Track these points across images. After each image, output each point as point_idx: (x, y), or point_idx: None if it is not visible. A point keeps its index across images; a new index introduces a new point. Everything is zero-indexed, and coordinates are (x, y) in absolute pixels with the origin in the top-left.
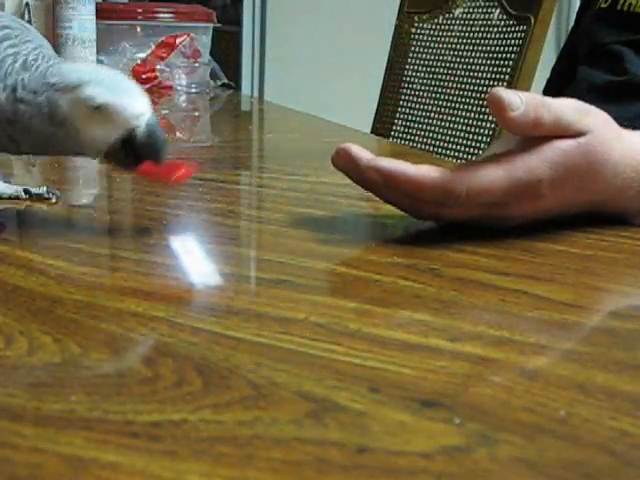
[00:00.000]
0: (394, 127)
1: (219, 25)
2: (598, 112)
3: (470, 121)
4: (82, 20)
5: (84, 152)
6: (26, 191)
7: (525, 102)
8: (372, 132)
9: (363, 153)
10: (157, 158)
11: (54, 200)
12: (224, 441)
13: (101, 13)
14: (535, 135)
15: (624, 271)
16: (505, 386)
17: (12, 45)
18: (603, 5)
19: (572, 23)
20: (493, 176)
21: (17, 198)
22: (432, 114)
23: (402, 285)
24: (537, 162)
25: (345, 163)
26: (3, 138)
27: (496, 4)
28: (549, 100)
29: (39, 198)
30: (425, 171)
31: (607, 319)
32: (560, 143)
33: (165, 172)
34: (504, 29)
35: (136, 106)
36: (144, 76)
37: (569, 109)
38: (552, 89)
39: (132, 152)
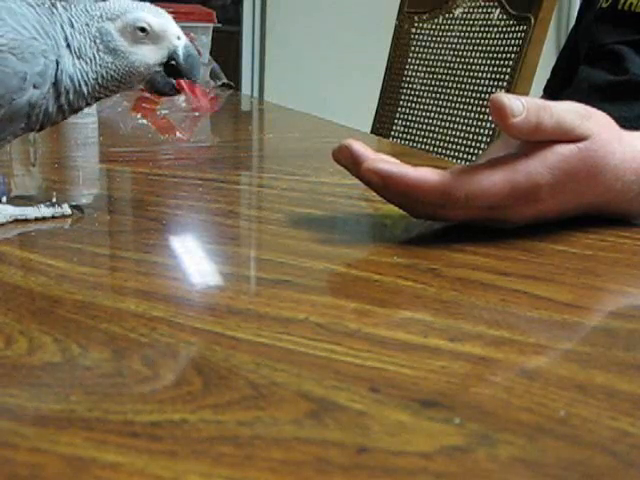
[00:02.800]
0: (394, 127)
1: (219, 25)
2: (599, 115)
3: (470, 121)
4: None
5: (133, 80)
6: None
7: (527, 107)
8: (372, 132)
9: (364, 151)
10: (195, 77)
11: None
12: (224, 441)
13: None
14: (536, 139)
15: (624, 271)
16: (505, 386)
17: (41, 3)
18: (604, 5)
19: (572, 23)
20: (493, 180)
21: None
22: (432, 114)
23: (402, 285)
24: (537, 167)
25: (346, 160)
26: (83, 86)
27: (496, 4)
28: (550, 104)
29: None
30: (424, 174)
31: (607, 319)
32: (560, 148)
33: (200, 94)
34: (504, 29)
35: (175, 28)
36: None
37: (570, 113)
38: (552, 89)
39: (173, 71)
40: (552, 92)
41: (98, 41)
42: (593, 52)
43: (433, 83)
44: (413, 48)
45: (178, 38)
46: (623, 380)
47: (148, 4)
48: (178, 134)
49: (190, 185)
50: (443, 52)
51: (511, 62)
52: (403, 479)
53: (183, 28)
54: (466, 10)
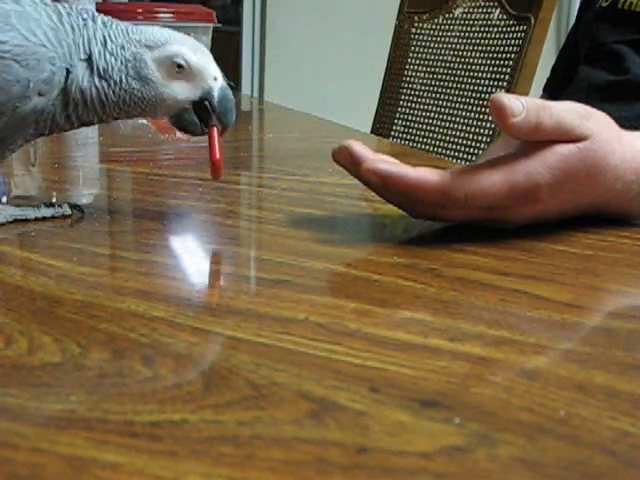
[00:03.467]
0: (394, 127)
1: (219, 25)
2: (599, 115)
3: (470, 121)
4: None
5: (159, 111)
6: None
7: (526, 107)
8: (372, 132)
9: (364, 152)
10: (228, 120)
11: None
12: (224, 441)
13: (101, 13)
14: (536, 139)
15: (624, 271)
16: (505, 386)
17: (78, 14)
18: (604, 4)
19: (572, 23)
20: (493, 180)
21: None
22: (432, 114)
23: (402, 285)
24: (537, 167)
25: (345, 160)
26: (96, 100)
27: (496, 4)
28: (550, 104)
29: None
30: (424, 174)
31: (607, 319)
32: (560, 148)
33: (217, 158)
34: (504, 29)
35: (213, 69)
36: None
37: (570, 113)
38: (552, 88)
39: (203, 114)
40: (552, 91)
41: (130, 65)
42: (593, 52)
43: (433, 83)
44: (413, 48)
45: (215, 79)
46: (623, 380)
47: (191, 39)
48: (178, 134)
49: (190, 185)
50: (443, 52)
51: (511, 62)
52: (403, 479)
53: (183, 28)
54: (466, 10)
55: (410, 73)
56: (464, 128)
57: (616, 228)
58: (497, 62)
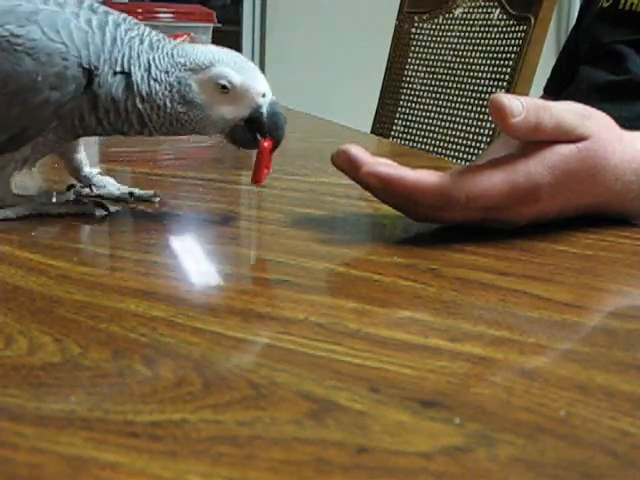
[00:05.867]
0: (394, 127)
1: (219, 25)
2: (599, 115)
3: (470, 121)
4: None
5: (209, 131)
6: (131, 194)
7: (526, 107)
8: (372, 132)
9: (363, 155)
10: (279, 136)
11: (156, 203)
12: (224, 441)
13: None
14: (536, 140)
15: (624, 271)
16: (505, 386)
17: (128, 29)
18: (605, 4)
19: (572, 23)
20: (493, 180)
21: (124, 200)
22: (432, 114)
23: (402, 285)
24: (537, 167)
25: (344, 165)
26: (133, 116)
27: (496, 4)
28: (550, 104)
29: (143, 200)
30: (424, 176)
31: (607, 319)
32: (560, 148)
33: (263, 172)
34: (504, 29)
35: (261, 86)
36: None
37: (570, 113)
38: (553, 89)
39: (255, 130)
40: (552, 92)
41: (175, 90)
42: (594, 52)
43: (433, 83)
44: (413, 48)
45: (263, 96)
46: (623, 380)
47: (238, 56)
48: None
49: (190, 185)
50: (443, 52)
51: (511, 62)
52: (403, 479)
53: (183, 28)
54: (466, 10)
55: (410, 73)
56: (464, 128)
57: (616, 228)
58: (497, 62)
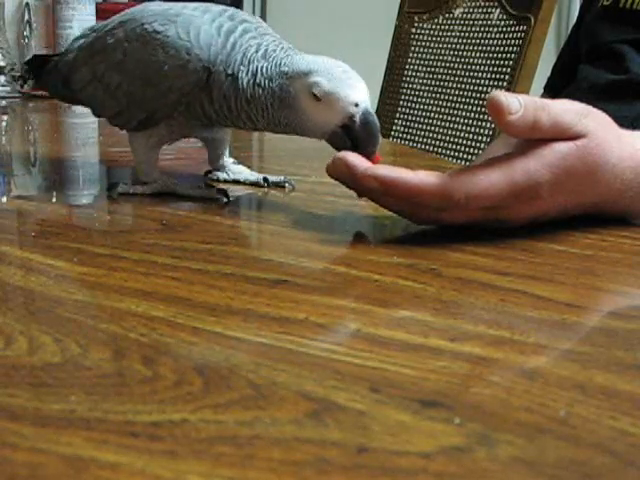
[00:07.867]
0: (394, 127)
1: None
2: (598, 113)
3: (470, 121)
4: (82, 20)
5: (309, 134)
6: (265, 179)
7: (524, 105)
8: None
9: (360, 161)
10: (371, 145)
11: (290, 188)
12: (224, 441)
13: (101, 13)
14: (534, 138)
15: (624, 271)
16: (505, 386)
17: (253, 37)
18: (605, 3)
19: (572, 23)
20: (492, 180)
21: (258, 185)
22: (432, 114)
23: (402, 285)
24: (536, 165)
25: (342, 172)
26: (242, 114)
27: (496, 4)
28: (548, 102)
29: (276, 185)
30: (423, 177)
31: (607, 319)
32: (559, 146)
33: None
34: (504, 29)
35: (355, 95)
36: None
37: (568, 111)
38: (553, 87)
39: (350, 137)
40: (553, 90)
41: (276, 95)
42: (594, 51)
43: (433, 83)
44: (413, 48)
45: (356, 105)
46: (623, 380)
47: (340, 67)
48: None
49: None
50: (443, 52)
51: (511, 62)
52: (403, 479)
53: None
54: (466, 10)
55: (410, 73)
56: (464, 128)
57: (616, 228)
58: (497, 62)
